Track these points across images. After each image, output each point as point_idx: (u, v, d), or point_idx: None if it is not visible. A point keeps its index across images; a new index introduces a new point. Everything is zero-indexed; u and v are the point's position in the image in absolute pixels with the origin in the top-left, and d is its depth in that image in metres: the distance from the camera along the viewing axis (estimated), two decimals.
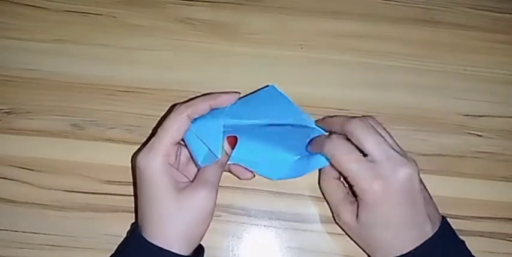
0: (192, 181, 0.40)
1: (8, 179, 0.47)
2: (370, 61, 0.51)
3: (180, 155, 0.43)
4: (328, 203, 0.44)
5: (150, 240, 0.38)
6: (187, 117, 0.39)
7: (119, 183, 0.47)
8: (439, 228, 0.39)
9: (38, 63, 0.51)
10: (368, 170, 0.38)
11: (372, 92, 0.50)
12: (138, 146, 0.48)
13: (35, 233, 0.46)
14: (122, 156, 0.48)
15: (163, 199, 0.38)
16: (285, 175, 0.44)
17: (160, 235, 0.38)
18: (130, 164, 0.47)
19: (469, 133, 0.49)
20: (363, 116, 0.43)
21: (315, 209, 0.47)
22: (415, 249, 0.38)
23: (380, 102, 0.50)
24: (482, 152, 0.49)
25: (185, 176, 0.42)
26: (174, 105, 0.41)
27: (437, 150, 0.49)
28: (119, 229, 0.44)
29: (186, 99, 0.49)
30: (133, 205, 0.46)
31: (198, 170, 0.41)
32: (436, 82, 0.51)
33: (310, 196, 0.47)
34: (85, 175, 0.47)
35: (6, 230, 0.46)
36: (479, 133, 0.49)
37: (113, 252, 0.42)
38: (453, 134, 0.49)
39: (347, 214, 0.41)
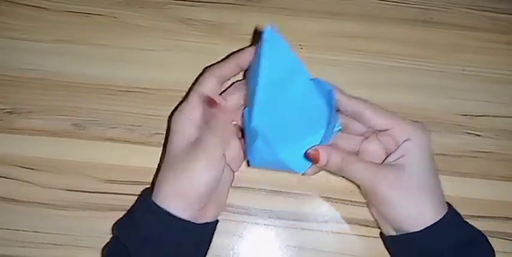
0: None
1: (10, 178, 0.47)
2: (369, 61, 0.52)
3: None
4: (354, 173, 0.42)
5: (157, 201, 0.40)
6: (215, 78, 0.42)
7: (120, 182, 0.47)
8: None
9: (39, 63, 0.51)
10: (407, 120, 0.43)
11: (371, 92, 0.50)
12: (139, 146, 0.48)
13: (36, 232, 0.46)
14: (122, 155, 0.48)
15: (174, 149, 0.41)
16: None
17: (166, 194, 0.40)
18: (131, 164, 0.48)
19: (467, 133, 0.50)
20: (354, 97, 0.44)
21: (314, 208, 0.47)
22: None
23: (379, 102, 0.49)
24: (481, 151, 0.49)
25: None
26: (206, 68, 0.44)
27: (436, 149, 0.48)
28: None
29: None
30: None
31: None
32: (434, 82, 0.51)
33: (310, 194, 0.47)
34: (86, 174, 0.48)
35: (8, 229, 0.46)
36: (478, 133, 0.50)
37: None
38: (452, 133, 0.50)
39: (389, 169, 0.41)
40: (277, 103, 0.41)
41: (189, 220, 0.39)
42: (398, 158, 0.41)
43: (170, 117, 0.43)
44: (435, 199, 0.40)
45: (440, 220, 0.39)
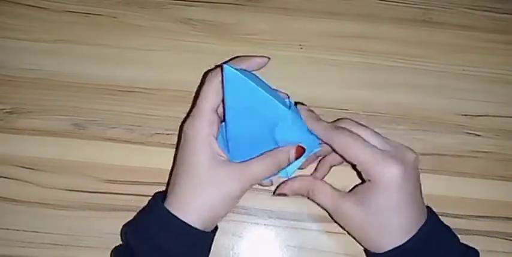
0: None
1: (10, 178, 0.47)
2: (369, 61, 0.51)
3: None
4: (319, 202, 0.44)
5: (171, 210, 0.39)
6: (219, 82, 0.41)
7: (120, 182, 0.47)
8: (428, 210, 0.41)
9: (39, 64, 0.51)
10: (382, 155, 0.40)
11: (371, 92, 0.51)
12: (139, 146, 0.48)
13: (36, 232, 0.46)
14: (122, 155, 0.48)
15: (201, 163, 0.40)
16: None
17: (184, 205, 0.39)
18: (131, 164, 0.48)
19: (467, 133, 0.50)
20: (335, 121, 0.44)
21: (314, 208, 0.47)
22: (417, 232, 0.39)
23: (379, 102, 0.50)
24: (480, 151, 0.49)
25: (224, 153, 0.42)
26: (206, 73, 0.42)
27: (436, 149, 0.49)
28: (120, 228, 0.44)
29: (186, 99, 0.49)
30: (134, 204, 0.46)
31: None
32: (434, 82, 0.51)
33: None
34: (86, 174, 0.48)
35: (8, 229, 0.46)
36: (477, 133, 0.50)
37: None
38: (452, 133, 0.50)
39: (349, 204, 0.41)
40: (245, 126, 0.42)
41: (203, 230, 0.40)
42: (357, 193, 0.41)
43: (181, 124, 0.43)
44: (392, 230, 0.39)
45: (396, 247, 0.39)
